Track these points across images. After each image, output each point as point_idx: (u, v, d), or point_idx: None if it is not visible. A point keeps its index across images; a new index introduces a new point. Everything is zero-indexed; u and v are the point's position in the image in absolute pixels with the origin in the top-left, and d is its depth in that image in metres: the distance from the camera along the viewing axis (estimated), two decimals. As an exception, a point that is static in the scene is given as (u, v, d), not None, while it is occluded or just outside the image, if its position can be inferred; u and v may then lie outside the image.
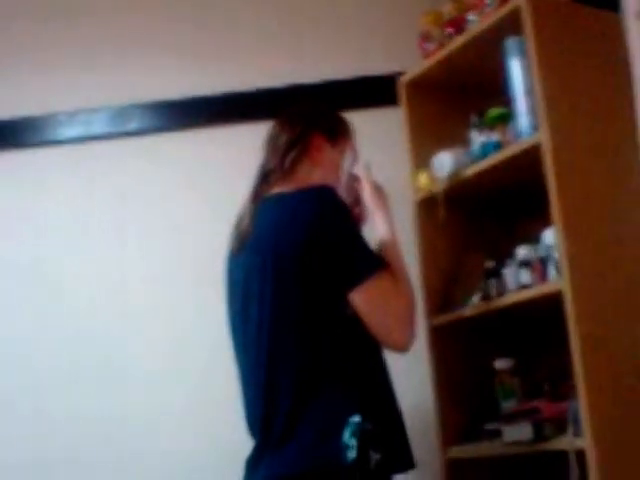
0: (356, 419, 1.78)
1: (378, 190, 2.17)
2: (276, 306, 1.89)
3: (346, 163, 2.15)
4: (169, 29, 2.98)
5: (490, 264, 2.38)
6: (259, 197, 2.05)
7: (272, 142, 2.12)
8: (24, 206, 2.90)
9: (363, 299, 1.88)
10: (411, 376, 2.40)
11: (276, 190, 2.04)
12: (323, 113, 2.19)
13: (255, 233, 1.98)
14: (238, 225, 2.06)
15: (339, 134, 2.16)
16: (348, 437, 1.77)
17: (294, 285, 1.88)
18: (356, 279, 1.87)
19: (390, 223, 2.12)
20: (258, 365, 1.93)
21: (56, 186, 2.91)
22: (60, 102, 2.95)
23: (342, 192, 2.08)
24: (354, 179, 2.17)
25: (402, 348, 1.95)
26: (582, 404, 2.01)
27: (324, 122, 2.15)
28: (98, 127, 2.94)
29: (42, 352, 2.78)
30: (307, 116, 2.15)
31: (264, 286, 1.91)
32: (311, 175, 2.08)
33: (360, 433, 1.77)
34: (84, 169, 2.91)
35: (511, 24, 2.23)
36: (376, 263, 1.92)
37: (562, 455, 2.07)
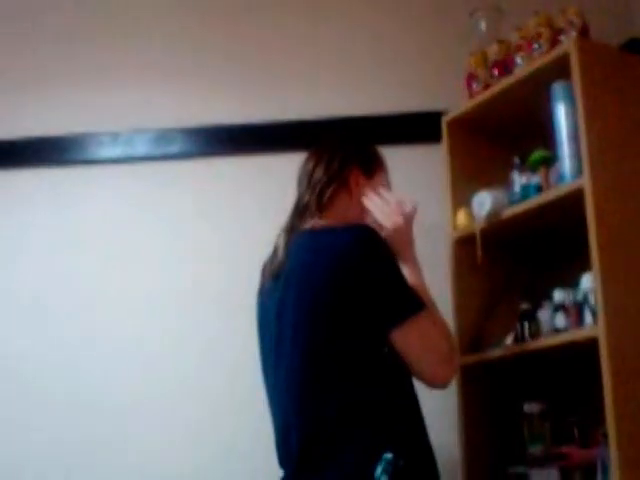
0: (389, 455, 1.78)
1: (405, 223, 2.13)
2: (312, 341, 1.89)
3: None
4: (215, 57, 3.03)
5: (525, 306, 2.37)
6: (294, 230, 2.05)
7: (308, 177, 2.11)
8: (61, 223, 2.94)
9: (405, 338, 1.89)
10: (439, 414, 2.37)
11: (313, 223, 2.04)
12: (359, 147, 2.19)
13: (291, 267, 1.98)
14: (272, 258, 2.07)
15: (375, 168, 2.17)
16: (380, 473, 1.76)
17: (330, 321, 1.87)
18: (399, 318, 1.88)
19: (415, 260, 2.12)
20: (292, 397, 1.92)
21: (96, 203, 2.95)
22: (104, 122, 2.99)
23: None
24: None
25: (443, 384, 1.98)
26: (612, 452, 1.99)
27: (361, 157, 2.15)
28: (140, 148, 2.97)
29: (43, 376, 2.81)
30: (343, 151, 2.14)
31: (299, 320, 1.91)
32: (348, 210, 2.09)
33: (392, 470, 1.77)
34: (125, 189, 2.96)
35: (559, 69, 2.24)
36: (418, 302, 1.92)
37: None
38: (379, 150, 2.21)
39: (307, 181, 2.11)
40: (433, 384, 1.97)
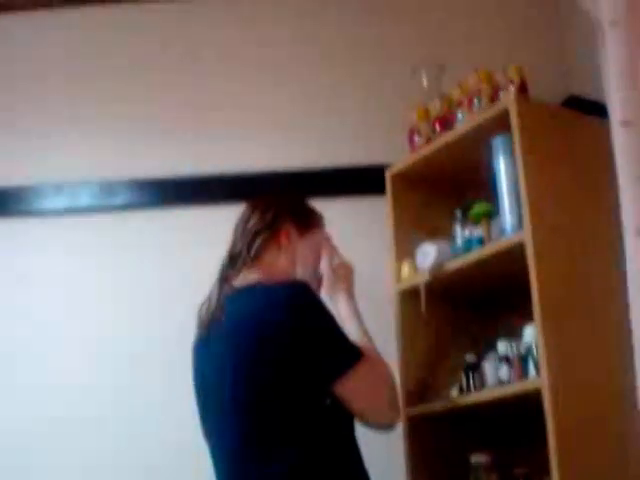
0: None
1: (344, 268, 2.19)
2: (253, 402, 1.88)
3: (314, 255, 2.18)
4: (159, 109, 3.04)
5: (470, 358, 2.40)
6: (226, 282, 2.05)
7: (242, 226, 2.14)
8: (4, 275, 2.89)
9: (348, 388, 1.89)
10: (387, 466, 2.38)
11: (243, 276, 2.05)
12: (296, 203, 2.21)
13: (227, 324, 1.97)
14: (206, 310, 2.05)
15: (309, 225, 2.18)
16: None
17: (270, 380, 1.87)
18: (339, 371, 1.88)
19: (352, 302, 2.15)
20: (235, 458, 1.91)
21: (39, 256, 2.91)
22: (47, 174, 2.97)
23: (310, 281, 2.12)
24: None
25: (390, 426, 2.02)
26: (558, 503, 2.01)
27: (296, 211, 2.17)
28: (84, 200, 2.96)
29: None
30: (279, 204, 2.17)
31: (239, 380, 1.90)
32: (277, 262, 2.10)
33: None
34: (68, 241, 2.93)
35: (499, 124, 2.28)
36: (356, 352, 1.93)
37: None
38: (317, 209, 2.23)
39: (241, 230, 2.13)
40: (379, 427, 2.00)
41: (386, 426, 2.01)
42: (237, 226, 2.15)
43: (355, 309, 2.14)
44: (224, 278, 2.06)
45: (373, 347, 2.04)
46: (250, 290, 2.01)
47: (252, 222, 2.12)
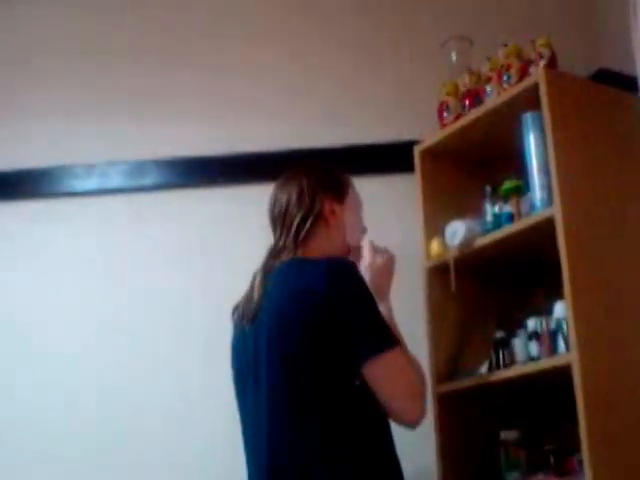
0: None
1: (387, 262, 2.17)
2: (286, 375, 1.88)
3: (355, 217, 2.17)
4: (187, 89, 3.04)
5: (499, 334, 2.39)
6: (270, 270, 2.02)
7: (282, 217, 2.08)
8: (37, 255, 2.91)
9: (377, 373, 1.88)
10: (416, 443, 2.37)
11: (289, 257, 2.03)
12: (324, 174, 2.15)
13: (267, 300, 1.97)
14: (248, 298, 2.04)
15: (344, 190, 2.15)
16: None
17: (304, 355, 1.87)
18: (371, 353, 1.87)
19: (388, 299, 2.13)
20: (268, 433, 1.91)
21: (71, 236, 2.93)
22: (78, 154, 2.99)
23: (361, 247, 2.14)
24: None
25: (413, 423, 1.95)
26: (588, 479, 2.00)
27: (329, 183, 2.12)
28: (114, 181, 2.97)
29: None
30: (311, 182, 2.10)
31: (274, 355, 1.91)
32: (330, 240, 2.08)
33: None
34: (99, 221, 2.95)
35: (528, 99, 2.27)
36: (391, 339, 1.91)
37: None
38: (342, 171, 2.20)
39: (282, 221, 2.08)
40: (403, 420, 1.94)
41: (408, 423, 1.94)
42: (276, 216, 2.10)
43: (390, 310, 2.11)
44: (268, 269, 2.03)
45: (406, 347, 2.02)
46: (291, 265, 2.00)
47: (292, 209, 2.07)
